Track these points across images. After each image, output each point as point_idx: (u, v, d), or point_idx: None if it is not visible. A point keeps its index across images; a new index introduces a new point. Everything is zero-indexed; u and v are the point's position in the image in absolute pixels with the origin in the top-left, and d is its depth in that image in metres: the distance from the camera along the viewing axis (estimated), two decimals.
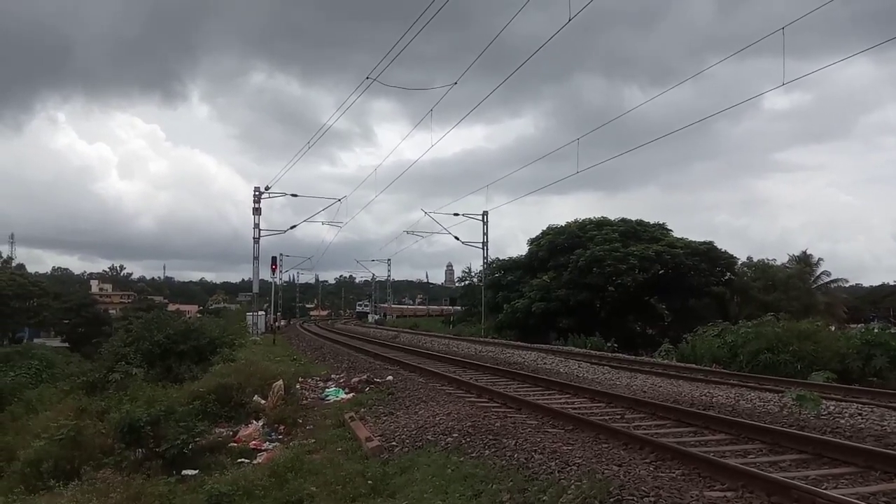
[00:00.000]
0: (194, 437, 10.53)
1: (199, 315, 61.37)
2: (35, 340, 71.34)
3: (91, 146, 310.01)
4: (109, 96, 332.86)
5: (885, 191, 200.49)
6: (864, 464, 6.97)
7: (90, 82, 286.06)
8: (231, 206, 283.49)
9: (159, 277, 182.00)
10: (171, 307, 73.36)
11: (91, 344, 57.22)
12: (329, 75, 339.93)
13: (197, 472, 9.79)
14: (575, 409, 11.22)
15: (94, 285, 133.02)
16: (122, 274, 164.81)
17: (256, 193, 45.56)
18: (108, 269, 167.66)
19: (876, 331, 21.34)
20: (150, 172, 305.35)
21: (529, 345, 30.77)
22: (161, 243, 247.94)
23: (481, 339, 36.55)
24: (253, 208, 45.50)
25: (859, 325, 27.57)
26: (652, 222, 47.61)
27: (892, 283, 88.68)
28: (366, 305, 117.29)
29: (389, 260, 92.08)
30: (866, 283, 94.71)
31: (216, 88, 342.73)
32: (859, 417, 10.41)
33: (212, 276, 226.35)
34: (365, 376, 16.45)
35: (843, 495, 5.58)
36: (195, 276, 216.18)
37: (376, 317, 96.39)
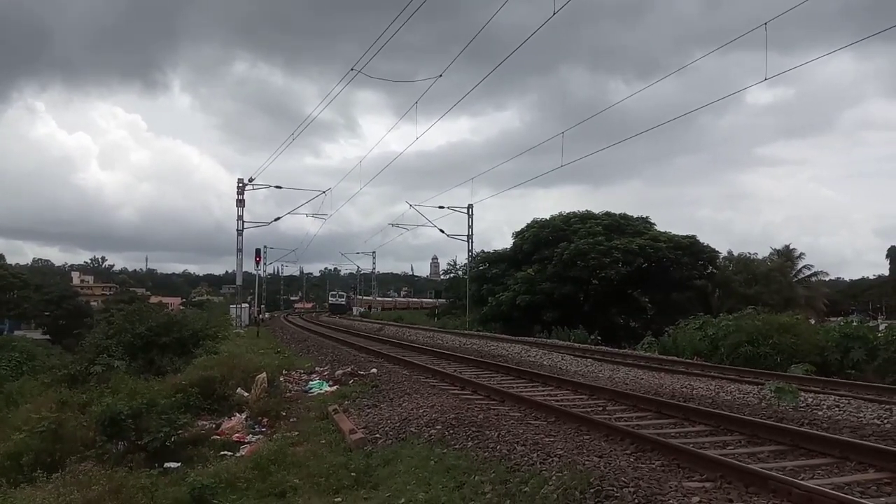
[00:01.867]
0: (177, 430, 10.47)
1: (182, 307, 61.06)
2: (15, 332, 70.50)
3: (71, 136, 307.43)
4: (89, 85, 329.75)
5: (867, 186, 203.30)
6: (839, 455, 7.10)
7: (69, 70, 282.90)
8: (214, 198, 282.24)
9: (141, 269, 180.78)
10: (154, 299, 72.96)
11: (72, 336, 56.76)
12: (313, 65, 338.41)
13: (179, 464, 9.74)
14: (557, 401, 11.32)
15: (76, 277, 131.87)
16: (103, 266, 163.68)
17: (240, 185, 45.21)
18: (89, 261, 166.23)
19: (855, 324, 21.64)
20: (131, 163, 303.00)
21: (514, 337, 30.92)
22: (143, 235, 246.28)
23: (466, 332, 36.65)
24: (236, 200, 45.19)
25: (839, 319, 27.95)
26: (636, 216, 47.87)
27: (872, 277, 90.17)
28: (341, 297, 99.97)
29: (374, 252, 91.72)
30: (847, 277, 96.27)
31: (198, 78, 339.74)
32: (836, 409, 10.60)
33: (195, 269, 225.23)
34: (349, 369, 16.45)
35: (819, 486, 5.68)
36: (178, 268, 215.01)
37: (361, 309, 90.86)
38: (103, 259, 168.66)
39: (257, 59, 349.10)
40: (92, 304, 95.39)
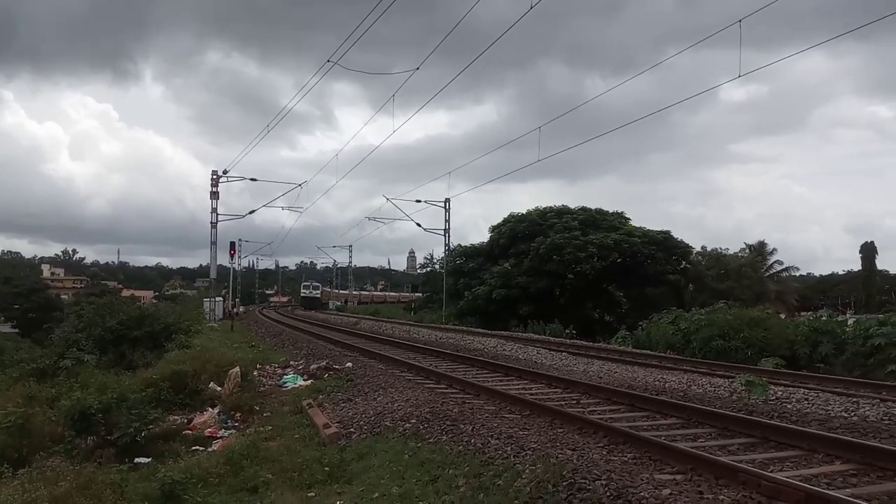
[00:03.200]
0: (147, 425, 10.34)
1: (154, 301, 60.26)
2: None
3: (41, 126, 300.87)
4: (58, 74, 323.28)
5: (838, 183, 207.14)
6: (808, 447, 7.21)
7: (37, 59, 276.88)
8: (187, 190, 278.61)
9: (113, 262, 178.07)
10: (126, 293, 71.82)
11: (42, 330, 55.69)
12: (288, 56, 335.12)
13: (150, 460, 9.63)
14: (532, 394, 11.36)
15: (46, 270, 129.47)
16: (74, 258, 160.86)
17: (214, 177, 44.80)
18: (59, 254, 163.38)
19: (824, 319, 22.03)
20: (102, 154, 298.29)
21: (490, 331, 30.98)
22: (115, 227, 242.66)
23: (442, 326, 36.66)
24: (210, 192, 44.81)
25: (808, 314, 28.47)
26: (611, 211, 48.26)
27: (841, 272, 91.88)
28: (315, 288, 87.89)
29: (351, 246, 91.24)
30: (817, 273, 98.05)
31: (170, 68, 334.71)
32: (805, 402, 10.77)
33: (168, 262, 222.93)
34: (324, 363, 16.37)
35: (787, 478, 5.76)
36: (151, 261, 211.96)
37: (337, 303, 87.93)
38: (74, 251, 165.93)
39: (231, 49, 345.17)
40: (62, 297, 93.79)
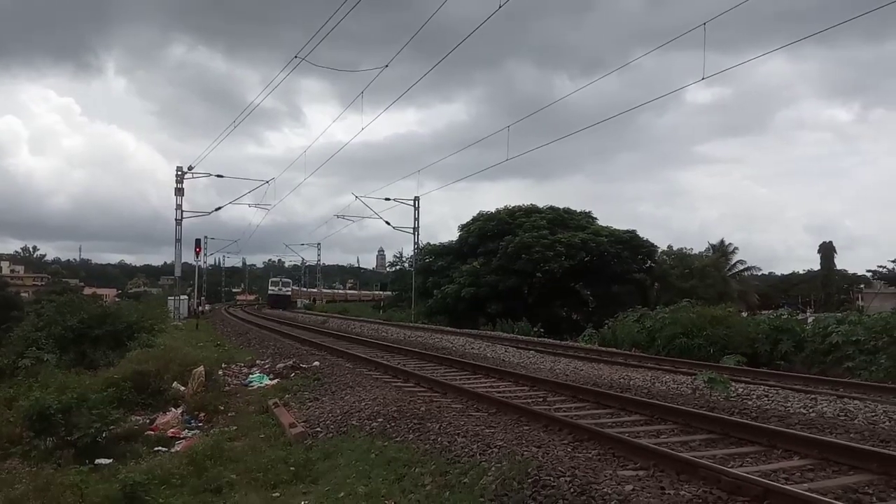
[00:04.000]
0: (108, 426, 10.15)
1: (117, 299, 59.08)
2: None
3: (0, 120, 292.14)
4: (17, 66, 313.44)
5: (799, 184, 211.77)
6: (767, 443, 7.36)
7: None
8: (151, 186, 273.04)
9: (75, 259, 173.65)
10: (88, 291, 70.22)
11: (0, 329, 54.27)
12: (256, 51, 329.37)
13: (111, 461, 9.44)
14: (499, 392, 11.42)
15: (5, 267, 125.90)
16: (34, 255, 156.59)
17: (179, 173, 44.14)
18: (19, 251, 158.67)
19: (784, 317, 22.48)
20: (63, 148, 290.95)
21: (458, 330, 31.07)
22: (77, 224, 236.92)
23: (411, 325, 36.64)
24: (175, 188, 44.21)
25: (769, 312, 29.04)
26: (579, 210, 48.85)
27: (802, 271, 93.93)
28: (285, 285, 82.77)
29: (319, 244, 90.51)
30: (778, 272, 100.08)
31: (134, 61, 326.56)
32: (765, 399, 11.00)
33: (132, 259, 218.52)
34: (291, 362, 16.24)
35: (747, 473, 5.88)
36: (114, 258, 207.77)
37: (306, 301, 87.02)
38: (34, 248, 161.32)
39: (197, 42, 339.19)
40: (22, 294, 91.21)
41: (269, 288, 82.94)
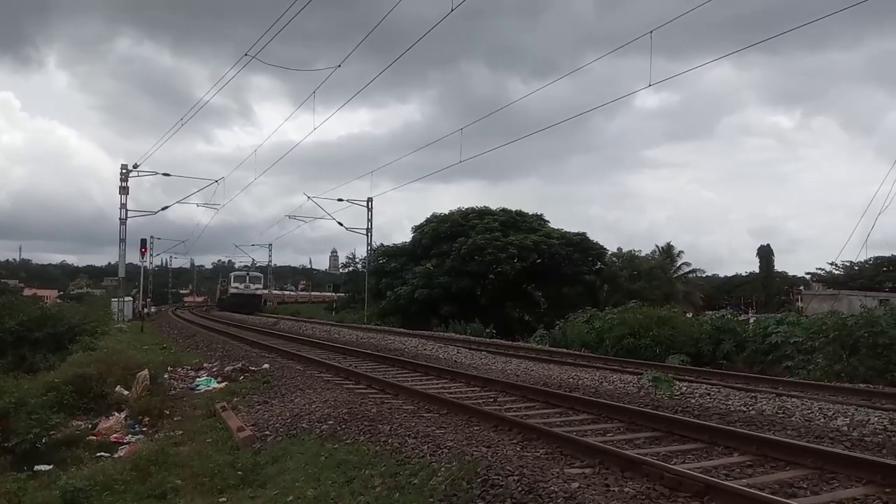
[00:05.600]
0: (48, 431, 9.90)
1: (58, 301, 57.10)
2: None
3: None
4: None
5: (743, 188, 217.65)
6: (709, 440, 7.58)
7: None
8: (95, 184, 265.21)
9: (14, 259, 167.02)
10: (28, 292, 67.74)
11: None
12: (204, 46, 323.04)
13: (51, 467, 9.20)
14: (451, 393, 11.48)
15: None
16: None
17: (123, 171, 42.94)
18: None
19: (726, 317, 23.18)
20: (2, 145, 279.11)
21: (411, 331, 31.03)
22: (16, 222, 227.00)
23: (364, 326, 36.45)
24: (119, 187, 42.97)
25: (713, 313, 29.88)
26: (531, 213, 49.29)
27: (744, 273, 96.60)
28: (255, 281, 65.36)
29: (271, 245, 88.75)
30: (722, 274, 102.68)
31: (76, 55, 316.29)
32: (707, 397, 11.30)
33: (74, 259, 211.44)
34: (240, 364, 16.00)
35: (688, 469, 6.05)
36: (55, 258, 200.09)
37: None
38: None
39: (143, 36, 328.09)
40: None
41: (232, 284, 64.58)
